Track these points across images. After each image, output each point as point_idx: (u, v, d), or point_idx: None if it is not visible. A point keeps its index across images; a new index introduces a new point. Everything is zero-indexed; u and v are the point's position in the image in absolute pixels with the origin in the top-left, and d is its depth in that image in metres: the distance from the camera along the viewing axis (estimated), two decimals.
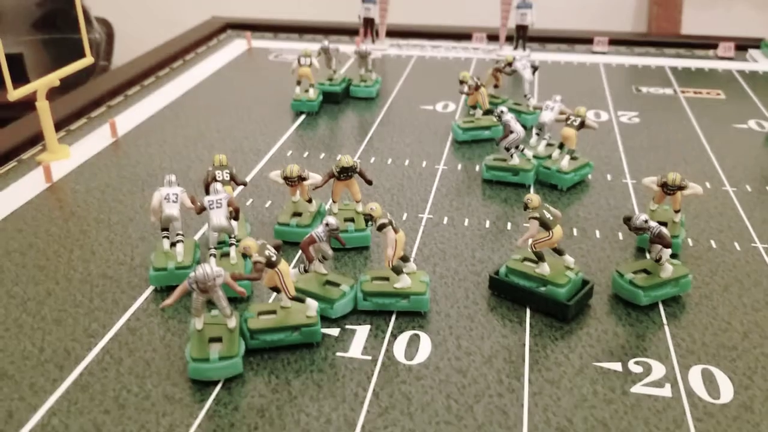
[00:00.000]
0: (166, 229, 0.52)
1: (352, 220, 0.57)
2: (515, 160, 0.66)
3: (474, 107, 0.78)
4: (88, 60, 0.74)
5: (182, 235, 0.51)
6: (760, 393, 0.41)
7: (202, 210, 0.50)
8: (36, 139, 0.74)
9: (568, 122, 0.66)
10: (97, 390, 0.41)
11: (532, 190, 0.65)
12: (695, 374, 0.43)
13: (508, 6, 1.05)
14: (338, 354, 0.44)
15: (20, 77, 0.70)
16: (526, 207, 0.48)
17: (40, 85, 0.68)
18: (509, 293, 0.49)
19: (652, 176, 0.56)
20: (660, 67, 1.03)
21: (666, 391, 0.41)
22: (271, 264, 0.43)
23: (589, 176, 0.68)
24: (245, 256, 0.43)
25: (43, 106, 0.69)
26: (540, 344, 0.45)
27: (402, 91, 0.92)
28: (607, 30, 1.23)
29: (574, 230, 0.59)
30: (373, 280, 0.49)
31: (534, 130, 0.72)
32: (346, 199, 0.60)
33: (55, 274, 0.52)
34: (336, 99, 0.86)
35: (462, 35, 1.15)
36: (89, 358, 0.44)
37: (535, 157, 0.68)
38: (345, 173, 0.55)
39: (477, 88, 0.76)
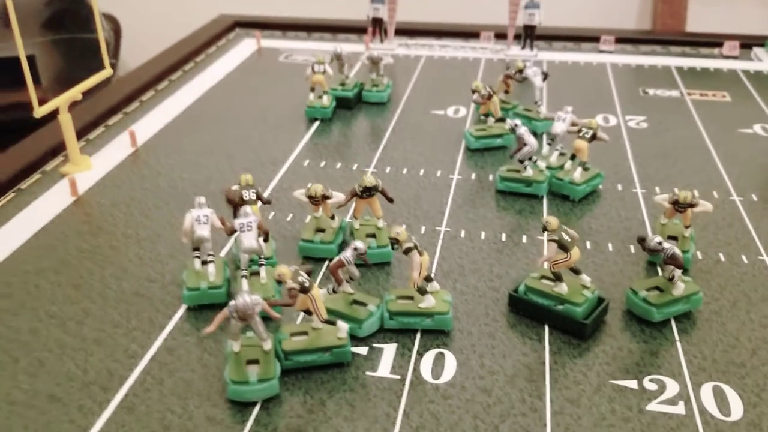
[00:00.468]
0: (197, 249, 0.54)
1: (373, 235, 0.59)
2: (529, 172, 0.68)
3: (486, 115, 0.80)
4: (107, 72, 0.75)
5: (213, 255, 0.53)
6: None
7: (232, 232, 0.52)
8: (57, 149, 0.76)
9: (580, 134, 0.68)
10: (143, 411, 0.43)
11: (545, 200, 0.67)
12: (707, 391, 0.45)
13: (516, 6, 1.06)
14: (368, 373, 0.46)
15: (34, 80, 0.71)
16: (545, 229, 0.50)
17: (63, 101, 0.69)
18: (528, 311, 0.52)
19: (663, 194, 0.59)
20: (666, 67, 1.05)
21: (680, 409, 0.44)
22: (304, 290, 0.45)
23: (600, 186, 0.70)
24: (279, 282, 0.45)
25: (65, 119, 0.70)
26: (559, 362, 0.47)
27: (412, 94, 0.94)
28: (612, 27, 1.24)
29: (588, 243, 0.61)
30: (398, 299, 0.51)
31: (546, 140, 0.73)
32: (366, 214, 0.62)
33: (90, 292, 0.54)
34: (348, 104, 0.88)
35: (470, 33, 1.16)
36: (132, 379, 0.46)
37: (547, 167, 0.69)
38: (367, 192, 0.57)
39: (489, 97, 0.78)
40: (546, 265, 0.51)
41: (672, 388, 0.45)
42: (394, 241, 0.49)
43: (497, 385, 0.45)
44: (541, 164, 0.69)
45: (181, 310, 0.52)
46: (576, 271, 0.51)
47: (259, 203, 0.57)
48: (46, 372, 0.47)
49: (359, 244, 0.49)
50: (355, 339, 0.49)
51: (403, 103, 0.90)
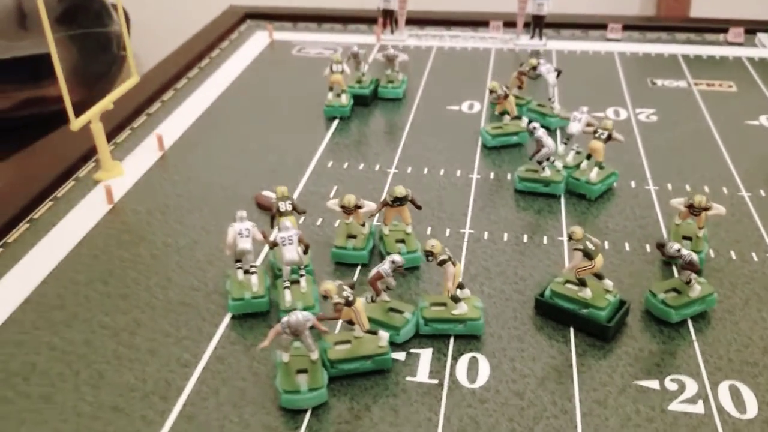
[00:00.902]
0: (239, 260, 0.57)
1: (402, 241, 0.62)
2: (547, 172, 0.71)
3: (502, 114, 0.82)
4: (134, 80, 0.77)
5: (255, 266, 0.56)
6: None
7: (274, 245, 0.55)
8: (88, 155, 0.78)
9: (596, 135, 0.70)
10: (202, 421, 0.47)
11: (562, 199, 0.70)
12: (724, 390, 0.49)
13: None
14: (408, 378, 0.50)
15: (51, 76, 0.73)
16: (570, 238, 0.53)
17: (95, 112, 0.72)
18: (553, 314, 0.55)
19: (679, 198, 0.62)
20: (673, 56, 1.07)
21: (699, 408, 0.47)
22: (349, 303, 0.48)
23: (615, 184, 0.73)
24: (325, 297, 0.48)
25: (97, 128, 0.73)
26: (585, 364, 0.51)
27: (427, 89, 0.96)
28: (616, 12, 1.25)
29: (606, 243, 0.64)
30: (432, 306, 0.54)
31: (561, 140, 0.76)
32: (395, 219, 0.65)
33: (138, 302, 0.57)
34: (365, 101, 0.90)
35: (478, 22, 1.18)
36: (188, 389, 0.49)
37: (564, 167, 0.72)
38: (398, 202, 0.60)
39: (506, 96, 0.80)
40: (572, 272, 0.54)
41: (691, 387, 0.49)
42: (429, 254, 0.52)
43: (529, 388, 0.49)
44: (558, 164, 0.72)
45: (227, 319, 0.56)
46: (599, 276, 0.54)
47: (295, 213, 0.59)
48: (107, 383, 0.50)
49: (397, 258, 0.52)
50: (392, 344, 0.52)
51: (419, 99, 0.93)
